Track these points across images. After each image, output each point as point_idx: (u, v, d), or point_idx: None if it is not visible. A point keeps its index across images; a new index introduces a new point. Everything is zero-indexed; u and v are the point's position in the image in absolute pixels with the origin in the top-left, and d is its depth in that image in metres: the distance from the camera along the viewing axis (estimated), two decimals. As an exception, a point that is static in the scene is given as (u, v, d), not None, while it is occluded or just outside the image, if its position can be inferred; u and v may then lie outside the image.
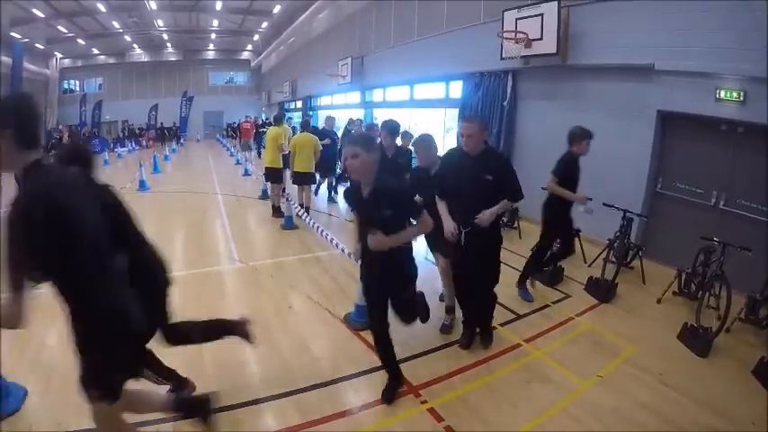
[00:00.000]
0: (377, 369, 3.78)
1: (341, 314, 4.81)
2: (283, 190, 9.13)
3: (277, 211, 9.06)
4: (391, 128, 5.68)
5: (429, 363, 3.92)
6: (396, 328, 4.39)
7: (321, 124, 12.79)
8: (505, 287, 5.49)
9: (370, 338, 4.22)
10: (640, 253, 5.88)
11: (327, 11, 18.89)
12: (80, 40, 28.96)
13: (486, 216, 3.64)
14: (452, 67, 10.43)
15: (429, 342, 4.24)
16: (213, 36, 31.26)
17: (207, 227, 8.84)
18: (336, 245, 5.90)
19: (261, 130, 21.34)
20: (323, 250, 7.10)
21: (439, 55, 10.93)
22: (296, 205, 8.35)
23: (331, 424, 3.18)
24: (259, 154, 12.55)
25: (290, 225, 8.37)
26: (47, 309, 5.40)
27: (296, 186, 8.98)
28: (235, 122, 31.40)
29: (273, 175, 9.12)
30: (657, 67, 6.03)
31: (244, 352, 4.19)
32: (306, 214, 7.89)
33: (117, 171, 18.49)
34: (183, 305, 5.21)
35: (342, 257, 6.17)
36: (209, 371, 3.83)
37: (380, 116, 16.01)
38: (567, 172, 5.11)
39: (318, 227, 6.79)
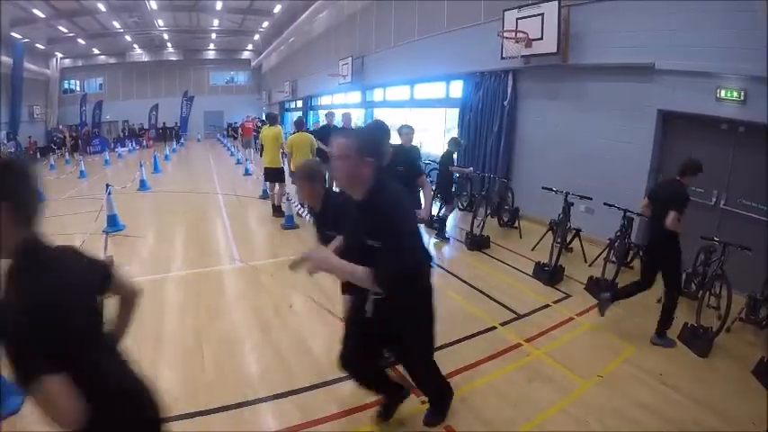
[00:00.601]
0: None
1: (341, 314, 4.79)
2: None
3: (277, 211, 9.05)
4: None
5: (439, 357, 3.88)
6: None
7: (322, 121, 12.86)
8: (506, 287, 5.58)
9: None
10: (641, 253, 5.87)
11: (328, 10, 18.92)
12: (80, 40, 28.93)
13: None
14: (453, 66, 10.44)
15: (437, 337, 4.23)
16: (213, 36, 31.22)
17: (207, 227, 8.85)
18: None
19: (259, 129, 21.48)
20: None
21: (439, 54, 10.93)
22: (297, 204, 8.36)
23: (331, 424, 3.18)
24: (261, 153, 12.66)
25: (290, 225, 8.37)
26: None
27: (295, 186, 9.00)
28: (236, 122, 31.47)
29: (273, 175, 9.13)
30: (658, 67, 6.02)
31: (244, 352, 4.23)
32: (307, 213, 7.87)
33: (118, 171, 18.55)
34: (183, 304, 5.32)
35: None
36: (210, 371, 3.84)
37: (381, 116, 16.07)
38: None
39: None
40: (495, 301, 5.17)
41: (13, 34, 23.42)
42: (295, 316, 4.85)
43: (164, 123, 33.23)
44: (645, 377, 3.68)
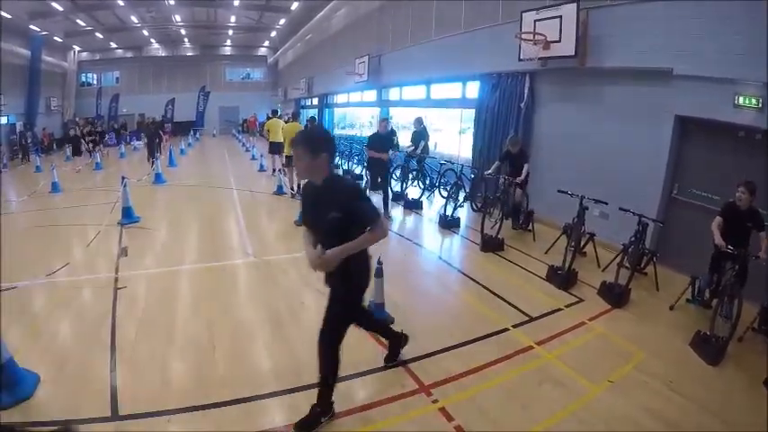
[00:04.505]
0: (389, 367, 3.86)
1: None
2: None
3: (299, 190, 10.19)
4: None
5: (441, 362, 3.96)
6: (412, 322, 4.50)
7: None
8: (519, 290, 5.60)
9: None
10: (654, 259, 5.87)
11: (346, 8, 18.98)
12: (98, 34, 29.35)
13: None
14: (469, 67, 10.44)
15: (441, 341, 4.28)
16: (230, 32, 31.37)
17: (221, 221, 8.95)
18: None
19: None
20: None
21: (456, 55, 10.93)
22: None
23: (342, 420, 3.23)
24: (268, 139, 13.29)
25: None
26: (58, 300, 5.52)
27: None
28: (260, 119, 32.16)
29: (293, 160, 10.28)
30: (676, 72, 5.98)
31: (256, 347, 4.31)
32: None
33: (133, 163, 18.82)
34: (196, 298, 5.46)
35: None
36: (221, 364, 3.92)
37: (397, 115, 16.07)
38: None
39: None
40: (507, 302, 5.19)
41: (31, 27, 23.82)
42: (308, 312, 4.91)
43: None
44: (655, 384, 3.68)
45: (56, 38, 27.44)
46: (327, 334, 3.19)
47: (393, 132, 10.94)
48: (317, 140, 2.95)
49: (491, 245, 7.06)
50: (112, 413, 3.40)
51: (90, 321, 4.89)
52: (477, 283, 5.80)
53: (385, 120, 9.67)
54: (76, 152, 22.10)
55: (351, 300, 3.26)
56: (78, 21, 25.75)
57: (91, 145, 22.63)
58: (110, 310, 5.17)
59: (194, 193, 12.00)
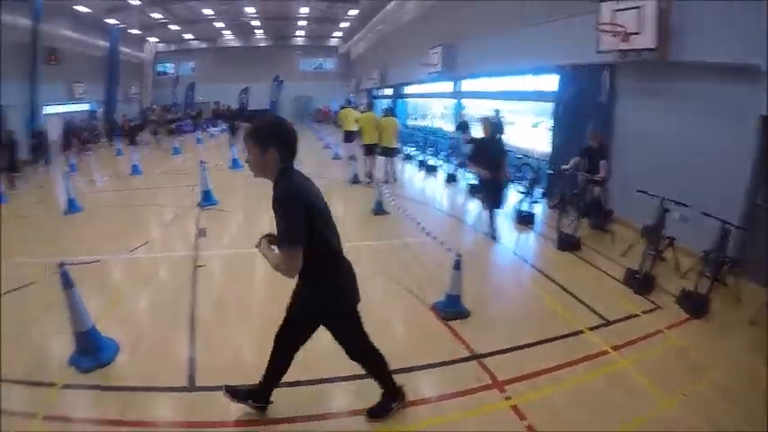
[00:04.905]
0: (461, 360, 4.02)
1: (430, 302, 5.06)
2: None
3: (369, 177, 11.66)
4: None
5: (514, 359, 4.08)
6: (487, 316, 4.75)
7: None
8: (595, 292, 5.54)
9: (459, 328, 4.56)
10: (737, 269, 5.58)
11: (417, -2, 18.72)
12: (173, 26, 30.94)
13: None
14: (547, 58, 10.19)
15: (515, 338, 4.39)
16: (302, 22, 31.84)
17: None
18: (428, 233, 6.23)
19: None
20: (413, 237, 7.38)
21: (533, 46, 10.68)
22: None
23: (407, 410, 3.39)
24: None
25: (379, 210, 8.72)
26: (140, 275, 6.06)
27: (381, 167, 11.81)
28: (333, 108, 33.18)
29: (371, 150, 11.84)
30: (765, 69, 5.58)
31: (324, 332, 4.57)
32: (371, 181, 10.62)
33: (210, 149, 19.93)
34: (269, 279, 5.45)
35: (434, 245, 6.43)
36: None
37: (471, 107, 15.92)
38: None
39: (410, 214, 7.15)
40: (583, 304, 5.22)
41: (109, 20, 25.93)
42: (381, 300, 5.18)
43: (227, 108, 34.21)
44: (729, 401, 3.58)
45: (133, 30, 29.62)
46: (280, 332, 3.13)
47: (500, 128, 8.89)
48: (265, 133, 2.64)
49: (567, 243, 7.03)
50: (189, 384, 3.71)
51: (169, 296, 5.42)
52: (553, 281, 5.85)
53: (487, 120, 7.62)
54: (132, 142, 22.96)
55: (308, 312, 2.98)
56: (153, 14, 27.31)
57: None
58: (188, 286, 5.64)
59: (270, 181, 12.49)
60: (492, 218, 7.55)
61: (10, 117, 17.85)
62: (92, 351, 4.13)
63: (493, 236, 7.48)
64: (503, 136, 11.22)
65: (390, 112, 12.39)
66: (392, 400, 3.31)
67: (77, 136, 20.38)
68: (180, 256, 6.81)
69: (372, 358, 3.20)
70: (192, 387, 3.68)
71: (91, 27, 25.17)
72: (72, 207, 9.62)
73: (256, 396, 3.29)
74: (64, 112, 22.83)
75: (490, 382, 3.75)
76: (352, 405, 3.49)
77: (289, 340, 3.11)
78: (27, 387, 3.99)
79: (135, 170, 14.13)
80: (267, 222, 7.90)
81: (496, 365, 3.95)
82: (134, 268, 6.45)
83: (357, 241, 7.10)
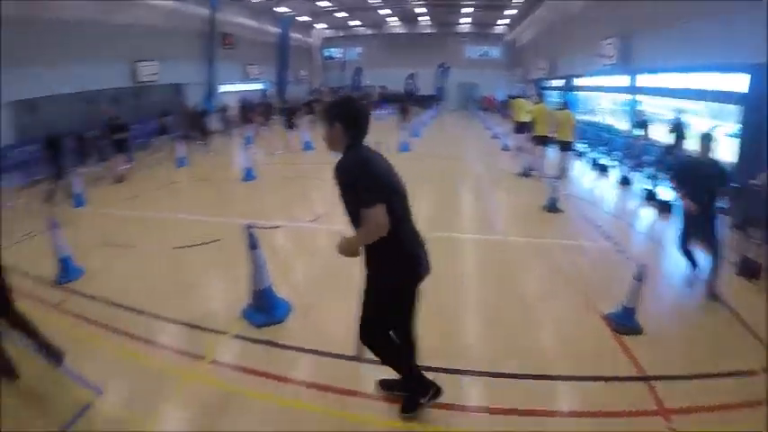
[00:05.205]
0: (627, 379, 3.79)
1: (602, 310, 4.84)
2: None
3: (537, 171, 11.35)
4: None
5: (689, 389, 3.73)
6: (660, 335, 4.53)
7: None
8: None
9: (630, 344, 4.31)
10: None
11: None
12: (340, 14, 32.77)
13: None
14: (737, 54, 9.05)
15: (687, 365, 4.04)
16: (467, 9, 31.53)
17: (459, 194, 9.52)
18: (607, 237, 6.17)
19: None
20: (588, 240, 7.13)
21: (722, 40, 9.57)
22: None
23: (568, 420, 3.36)
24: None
25: (553, 206, 8.49)
26: (313, 244, 6.75)
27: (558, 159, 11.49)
28: (498, 97, 33.53)
29: (542, 142, 11.73)
30: None
31: (476, 327, 4.69)
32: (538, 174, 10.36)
33: (380, 132, 20.33)
34: (440, 266, 5.38)
35: (608, 251, 6.30)
36: (435, 338, 4.10)
37: (649, 104, 14.57)
38: None
39: (585, 214, 7.09)
40: (760, 340, 4.52)
41: (279, 9, 28.93)
42: (548, 302, 5.12)
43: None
44: None
45: (302, 18, 32.52)
46: (363, 327, 3.10)
47: (682, 132, 10.13)
48: (333, 110, 2.88)
49: (748, 269, 6.15)
50: (359, 353, 3.51)
51: (343, 269, 5.22)
52: (731, 309, 5.16)
53: (708, 139, 5.36)
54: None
55: (380, 290, 2.99)
56: (321, 2, 29.05)
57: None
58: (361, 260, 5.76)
59: (437, 165, 12.84)
60: (714, 265, 5.38)
61: (189, 94, 21.90)
62: (266, 308, 4.52)
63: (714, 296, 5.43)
64: (684, 141, 10.56)
65: (566, 104, 12.01)
66: (421, 394, 3.28)
67: (254, 111, 21.98)
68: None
69: (400, 346, 3.22)
70: (361, 358, 3.46)
71: (263, 14, 28.57)
72: (248, 175, 11.19)
73: (417, 389, 3.31)
74: (238, 91, 26.18)
75: (656, 408, 3.47)
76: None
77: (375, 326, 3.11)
78: (198, 331, 4.48)
79: (307, 146, 15.55)
80: (431, 209, 8.38)
81: (666, 391, 3.63)
82: (310, 237, 7.23)
83: (527, 237, 7.07)
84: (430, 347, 3.75)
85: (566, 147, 11.35)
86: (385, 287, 2.94)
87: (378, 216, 2.60)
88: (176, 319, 4.77)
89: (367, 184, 2.64)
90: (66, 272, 5.90)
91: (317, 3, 28.80)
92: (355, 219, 2.76)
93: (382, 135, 17.03)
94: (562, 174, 11.17)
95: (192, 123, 17.05)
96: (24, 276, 5.74)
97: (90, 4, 15.74)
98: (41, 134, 10.39)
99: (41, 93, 14.41)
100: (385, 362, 3.20)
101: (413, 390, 3.28)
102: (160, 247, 7.06)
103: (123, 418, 3.43)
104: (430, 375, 3.36)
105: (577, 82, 21.15)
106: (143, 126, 17.02)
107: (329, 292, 5.27)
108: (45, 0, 13.91)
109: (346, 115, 2.83)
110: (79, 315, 4.97)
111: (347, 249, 2.81)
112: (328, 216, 7.98)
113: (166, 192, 10.97)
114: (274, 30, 30.63)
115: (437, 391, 3.30)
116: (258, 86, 29.38)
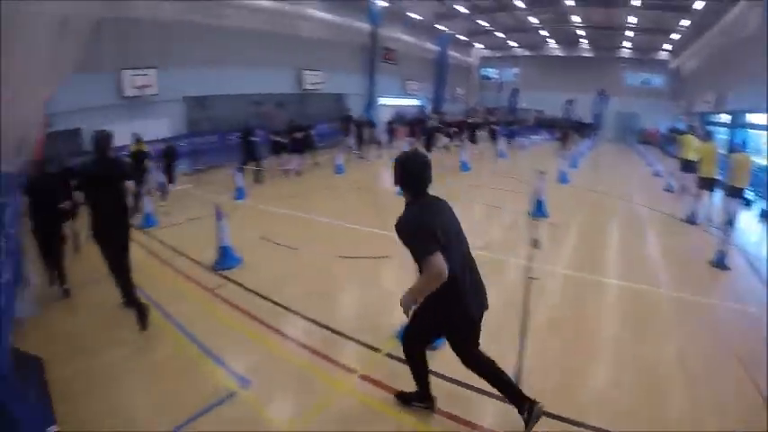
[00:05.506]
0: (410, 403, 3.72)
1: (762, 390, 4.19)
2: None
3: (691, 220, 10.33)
4: None
5: None
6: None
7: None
8: None
9: None
10: None
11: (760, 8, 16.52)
12: (498, 34, 33.73)
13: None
14: None
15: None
16: (628, 33, 30.39)
17: (627, 237, 8.82)
18: None
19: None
20: (760, 306, 5.94)
21: None
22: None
23: None
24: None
25: (721, 262, 7.33)
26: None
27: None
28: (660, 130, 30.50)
29: (708, 185, 10.25)
30: None
31: (619, 376, 4.37)
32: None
33: (536, 158, 20.05)
34: (604, 312, 5.66)
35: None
36: (627, 392, 4.08)
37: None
38: None
39: (759, 274, 6.50)
40: None
41: (438, 26, 30.96)
42: (692, 360, 4.63)
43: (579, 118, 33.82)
44: None
45: (460, 36, 34.40)
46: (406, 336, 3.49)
47: None
48: (396, 169, 3.11)
49: None
50: None
51: (501, 300, 5.25)
52: None
53: None
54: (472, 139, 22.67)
55: (426, 317, 3.24)
56: (480, 21, 30.18)
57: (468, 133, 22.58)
58: (520, 296, 5.53)
59: (596, 200, 12.16)
60: None
61: (350, 103, 23.30)
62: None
63: None
64: None
65: (743, 144, 10.81)
66: (418, 399, 3.65)
67: (410, 125, 22.61)
68: (512, 262, 6.81)
69: (422, 362, 3.53)
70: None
71: (422, 31, 30.35)
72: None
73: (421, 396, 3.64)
74: (395, 105, 27.59)
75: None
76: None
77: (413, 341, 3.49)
78: (356, 345, 4.49)
79: (463, 167, 15.52)
80: (604, 246, 8.05)
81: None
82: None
83: (685, 294, 6.25)
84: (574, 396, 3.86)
85: (736, 193, 9.55)
86: (434, 319, 3.24)
87: (435, 265, 2.77)
88: (329, 326, 4.85)
89: (422, 236, 2.85)
90: (226, 259, 6.33)
91: (476, 21, 29.46)
92: (421, 270, 2.91)
93: (540, 162, 16.56)
94: (729, 224, 9.36)
95: (356, 133, 18.18)
96: (183, 257, 6.40)
97: (262, 14, 18.41)
98: (209, 128, 12.61)
99: (213, 91, 16.67)
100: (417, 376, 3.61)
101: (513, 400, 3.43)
102: (324, 251, 7.21)
103: (264, 418, 3.58)
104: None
105: (750, 118, 19.03)
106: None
107: (488, 321, 4.34)
108: (220, 9, 16.57)
109: (401, 177, 3.09)
110: (233, 303, 5.26)
111: (409, 298, 3.00)
112: (489, 244, 7.60)
113: (323, 196, 11.32)
114: (434, 47, 32.17)
115: (430, 405, 3.69)
116: (415, 102, 30.88)
